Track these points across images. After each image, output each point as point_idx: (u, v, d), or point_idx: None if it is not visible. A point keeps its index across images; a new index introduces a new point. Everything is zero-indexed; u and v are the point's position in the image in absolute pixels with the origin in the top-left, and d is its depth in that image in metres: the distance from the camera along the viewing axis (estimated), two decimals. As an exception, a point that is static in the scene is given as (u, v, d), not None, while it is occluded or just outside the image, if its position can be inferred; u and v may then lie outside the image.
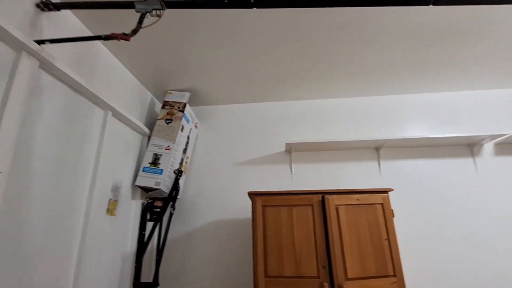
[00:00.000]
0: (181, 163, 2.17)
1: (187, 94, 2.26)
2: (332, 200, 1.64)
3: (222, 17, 1.51)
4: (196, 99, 2.44)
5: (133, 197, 2.02)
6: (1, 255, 1.05)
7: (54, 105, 1.33)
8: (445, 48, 1.79)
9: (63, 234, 1.36)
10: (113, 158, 1.78)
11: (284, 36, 1.66)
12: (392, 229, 1.61)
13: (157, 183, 1.94)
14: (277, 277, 1.53)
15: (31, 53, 1.15)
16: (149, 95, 2.34)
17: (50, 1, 1.25)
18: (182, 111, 2.18)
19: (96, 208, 1.58)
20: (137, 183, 1.97)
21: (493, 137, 2.06)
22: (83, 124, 1.53)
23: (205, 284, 2.05)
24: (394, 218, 1.64)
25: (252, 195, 1.71)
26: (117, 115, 1.81)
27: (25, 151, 1.16)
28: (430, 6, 1.14)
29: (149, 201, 2.13)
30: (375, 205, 1.65)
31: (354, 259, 1.53)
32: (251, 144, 2.42)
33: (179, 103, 2.22)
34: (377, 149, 2.27)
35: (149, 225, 2.06)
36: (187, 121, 2.25)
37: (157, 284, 1.94)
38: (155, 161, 2.01)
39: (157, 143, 2.07)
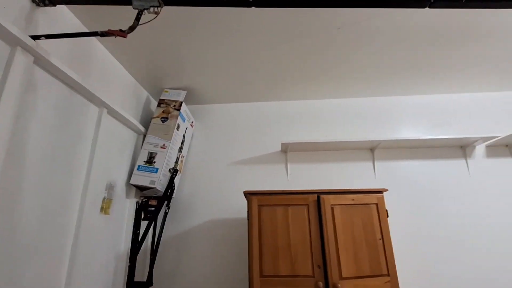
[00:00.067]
0: (176, 162, 2.16)
1: (183, 93, 2.25)
2: (328, 200, 1.65)
3: (220, 16, 1.51)
4: (192, 98, 2.43)
5: (127, 196, 2.01)
6: (-7, 253, 1.04)
7: (48, 101, 1.31)
8: (439, 51, 1.82)
9: (56, 232, 1.34)
10: (107, 156, 1.76)
11: (281, 36, 1.67)
12: (386, 229, 1.62)
13: (152, 182, 1.92)
14: (272, 277, 1.53)
15: (26, 48, 1.13)
16: (144, 93, 2.32)
17: (46, -4, 1.23)
18: (178, 110, 2.17)
19: (90, 207, 1.57)
20: (132, 181, 1.95)
21: (484, 139, 2.10)
22: (77, 121, 1.51)
23: (200, 284, 2.04)
24: (388, 218, 1.66)
25: (248, 194, 1.72)
26: (112, 113, 1.79)
27: (18, 148, 1.14)
28: (425, 9, 1.16)
29: (144, 200, 2.11)
30: (370, 205, 1.66)
31: (348, 259, 1.54)
32: (247, 144, 2.42)
33: (175, 101, 2.21)
34: (372, 150, 2.30)
35: (144, 224, 2.04)
36: (183, 119, 2.24)
37: (151, 284, 1.93)
38: (150, 160, 2.00)
39: (153, 142, 2.06)
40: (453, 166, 2.19)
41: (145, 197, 2.12)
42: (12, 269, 1.11)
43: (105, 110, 1.70)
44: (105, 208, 1.74)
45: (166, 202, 2.10)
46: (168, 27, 1.59)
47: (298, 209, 1.65)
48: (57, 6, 1.31)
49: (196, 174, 2.36)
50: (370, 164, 2.26)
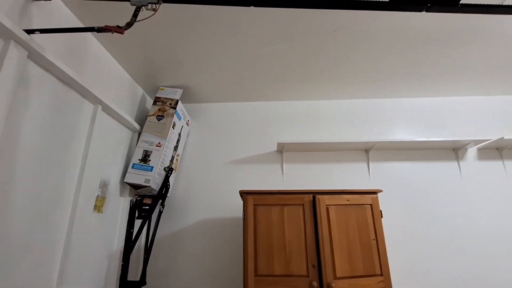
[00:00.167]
0: (171, 161, 2.15)
1: (180, 91, 2.24)
2: (323, 200, 1.66)
3: (219, 15, 1.50)
4: (188, 96, 2.41)
5: (121, 194, 1.99)
6: (-17, 251, 1.01)
7: (42, 97, 1.28)
8: (434, 55, 1.84)
9: (48, 230, 1.32)
10: (102, 154, 1.74)
11: (279, 36, 1.67)
12: (380, 229, 1.64)
13: (147, 180, 1.91)
14: (267, 276, 1.53)
15: (19, 42, 1.11)
16: (140, 91, 2.30)
17: (41, -10, 1.21)
18: (174, 108, 2.15)
19: (83, 205, 1.54)
20: (126, 179, 1.93)
21: (476, 142, 2.15)
22: (71, 118, 1.48)
23: (194, 283, 2.03)
24: (382, 219, 1.67)
25: (244, 193, 1.71)
26: (107, 110, 1.77)
27: (10, 144, 1.12)
28: (421, 13, 1.17)
29: (138, 199, 2.09)
30: (365, 205, 1.68)
31: (343, 258, 1.56)
32: (243, 143, 2.42)
33: (171, 99, 2.19)
34: (367, 151, 2.32)
35: (138, 223, 2.03)
36: (179, 118, 2.23)
37: (144, 283, 1.91)
38: (145, 158, 1.98)
39: (148, 140, 2.04)
40: (446, 168, 2.23)
41: (139, 196, 2.10)
42: (4, 267, 1.09)
43: (99, 107, 1.68)
44: (98, 206, 1.71)
45: (160, 201, 2.08)
46: (166, 24, 1.57)
47: (293, 209, 1.66)
48: (52, 0, 1.29)
49: (191, 173, 2.34)
50: (364, 165, 2.29)
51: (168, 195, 2.14)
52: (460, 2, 1.01)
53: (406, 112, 2.42)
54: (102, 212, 1.75)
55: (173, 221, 2.20)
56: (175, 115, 2.14)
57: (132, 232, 2.01)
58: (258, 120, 2.49)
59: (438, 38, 1.67)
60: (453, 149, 2.28)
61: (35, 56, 1.21)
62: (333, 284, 1.48)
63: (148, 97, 2.41)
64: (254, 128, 2.46)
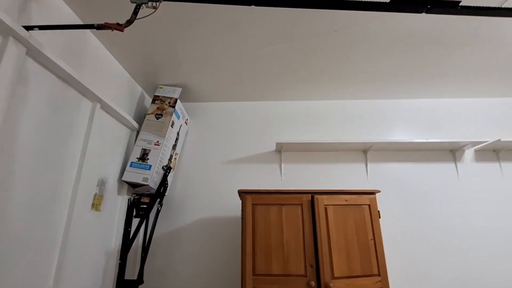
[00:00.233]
0: (170, 159, 2.14)
1: (179, 90, 2.23)
2: (322, 200, 1.67)
3: (219, 14, 1.50)
4: (187, 95, 2.41)
5: (119, 193, 1.98)
6: (-21, 249, 1.00)
7: (40, 94, 1.27)
8: (434, 56, 1.85)
9: (45, 228, 1.31)
10: (100, 152, 1.73)
11: (278, 36, 1.67)
12: (378, 230, 1.65)
13: (145, 179, 1.90)
14: (265, 275, 1.54)
15: (18, 38, 1.10)
16: (139, 89, 2.29)
17: (40, -14, 1.20)
18: (173, 107, 2.15)
19: (81, 203, 1.54)
20: (124, 178, 1.92)
21: (473, 143, 2.16)
22: (70, 115, 1.47)
23: (191, 282, 2.03)
24: (379, 219, 1.68)
25: (242, 193, 1.71)
26: (106, 108, 1.76)
27: (7, 141, 1.11)
28: (421, 14, 1.18)
29: (136, 197, 2.08)
30: (363, 206, 1.68)
31: (341, 258, 1.56)
32: (242, 143, 2.42)
33: (170, 98, 2.19)
34: (365, 152, 2.32)
35: (135, 221, 2.02)
36: (178, 117, 2.22)
37: (142, 282, 1.90)
38: (144, 157, 1.98)
39: (146, 138, 2.03)
40: (443, 169, 2.24)
41: (137, 194, 2.09)
42: (1, 264, 1.08)
43: (98, 105, 1.67)
44: (96, 204, 1.71)
45: (158, 200, 2.07)
46: (165, 23, 1.57)
47: (292, 208, 1.66)
48: (52, -4, 1.28)
49: (189, 172, 2.34)
50: (362, 165, 2.29)
51: (166, 194, 2.14)
52: (460, 4, 1.01)
53: (405, 113, 2.43)
54: (99, 211, 1.75)
55: (171, 220, 2.19)
56: (174, 114, 2.13)
57: (130, 231, 2.00)
58: (257, 119, 2.49)
59: (438, 39, 1.68)
60: (451, 151, 2.29)
61: (33, 53, 1.20)
62: (331, 284, 1.49)
63: (147, 96, 2.40)
64: (253, 128, 2.46)
